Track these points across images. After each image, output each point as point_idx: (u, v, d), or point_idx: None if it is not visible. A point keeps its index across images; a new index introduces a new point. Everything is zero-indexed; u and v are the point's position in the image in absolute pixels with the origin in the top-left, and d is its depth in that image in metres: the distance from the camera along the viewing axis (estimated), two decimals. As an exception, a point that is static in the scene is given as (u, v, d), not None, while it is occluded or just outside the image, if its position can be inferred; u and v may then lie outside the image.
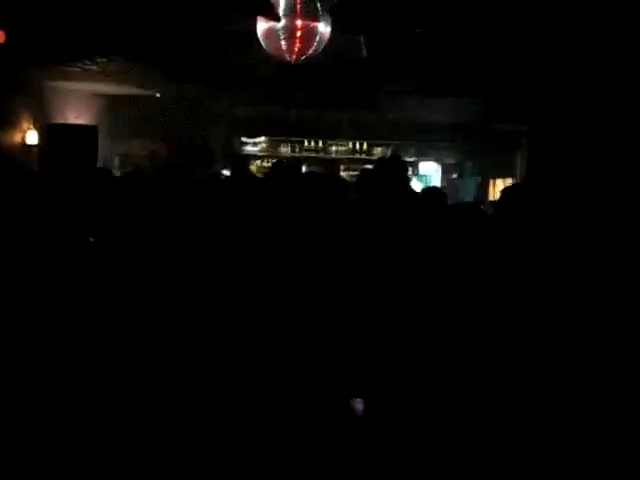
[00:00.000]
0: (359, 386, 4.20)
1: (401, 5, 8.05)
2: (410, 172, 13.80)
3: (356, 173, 14.35)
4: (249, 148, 16.95)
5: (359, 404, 4.14)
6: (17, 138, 12.25)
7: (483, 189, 14.22)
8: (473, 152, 15.75)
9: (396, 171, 6.04)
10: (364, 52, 9.64)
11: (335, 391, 4.12)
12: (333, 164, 15.97)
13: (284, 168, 12.25)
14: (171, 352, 4.06)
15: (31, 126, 12.43)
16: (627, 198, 6.47)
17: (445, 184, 15.57)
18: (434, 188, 6.97)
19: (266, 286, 4.38)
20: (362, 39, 9.26)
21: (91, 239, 5.01)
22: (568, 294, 4.09)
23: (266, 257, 4.55)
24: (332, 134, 16.62)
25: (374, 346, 4.19)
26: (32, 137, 12.36)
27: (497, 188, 13.63)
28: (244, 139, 16.95)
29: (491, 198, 13.86)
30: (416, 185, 10.80)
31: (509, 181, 13.54)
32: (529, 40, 8.77)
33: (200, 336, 4.18)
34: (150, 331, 4.14)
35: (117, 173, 13.79)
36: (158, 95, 14.26)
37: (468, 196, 13.60)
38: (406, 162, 6.44)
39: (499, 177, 13.90)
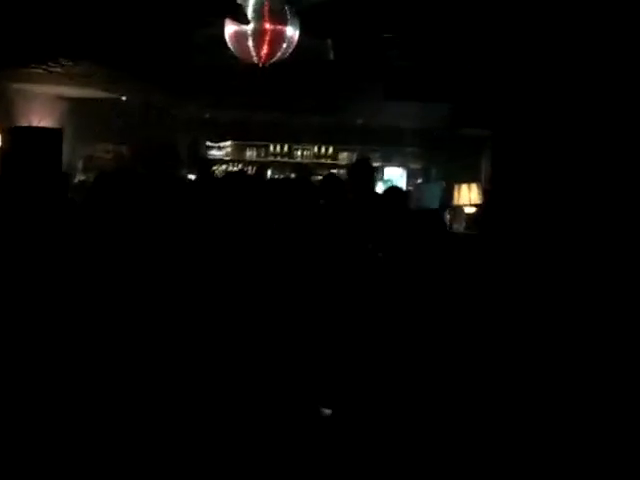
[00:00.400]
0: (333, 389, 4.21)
1: (369, 10, 8.07)
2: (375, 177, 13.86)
3: (321, 178, 14.39)
4: (215, 152, 16.93)
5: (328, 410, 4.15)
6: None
7: (448, 193, 14.26)
8: (438, 157, 15.83)
9: (363, 174, 6.08)
10: (331, 56, 9.64)
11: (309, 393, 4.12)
12: (301, 168, 15.98)
13: (248, 175, 12.27)
14: (166, 352, 4.04)
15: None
16: (592, 200, 6.55)
17: (410, 188, 15.63)
18: (395, 187, 7.02)
19: (234, 288, 4.38)
20: (329, 43, 9.26)
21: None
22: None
23: (231, 259, 4.55)
24: (298, 138, 16.64)
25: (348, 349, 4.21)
26: (-6, 140, 12.22)
27: (462, 192, 13.69)
28: (209, 143, 16.92)
29: (456, 202, 13.93)
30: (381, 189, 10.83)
31: (474, 186, 13.63)
32: (494, 45, 8.83)
33: (188, 340, 4.17)
34: (143, 332, 4.13)
35: (81, 176, 13.74)
36: (124, 98, 14.18)
37: (433, 201, 13.65)
38: (373, 165, 6.48)
39: (464, 182, 13.95)
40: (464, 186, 13.77)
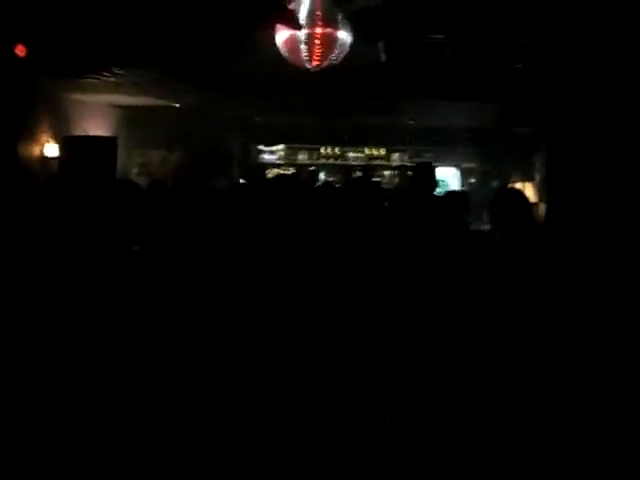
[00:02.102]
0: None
1: (419, 11, 8.04)
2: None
3: (376, 179, 14.36)
4: (266, 156, 16.98)
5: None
6: (36, 151, 12.27)
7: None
8: (491, 156, 15.71)
9: (426, 177, 6.05)
10: (382, 57, 9.61)
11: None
12: (354, 170, 15.98)
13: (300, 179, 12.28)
14: (202, 356, 4.06)
15: (50, 139, 12.47)
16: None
17: (464, 188, 15.55)
18: (455, 191, 6.99)
19: (288, 290, 4.38)
20: (381, 45, 9.24)
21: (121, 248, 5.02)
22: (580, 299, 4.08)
23: (289, 264, 4.54)
24: (349, 140, 16.63)
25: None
26: (50, 150, 12.39)
27: (516, 192, 13.53)
28: (261, 147, 16.98)
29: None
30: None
31: (528, 185, 13.50)
32: (547, 43, 8.75)
33: (224, 344, 4.18)
34: (178, 334, 4.15)
35: (136, 183, 13.86)
36: (176, 105, 14.29)
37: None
38: (434, 168, 6.44)
39: (518, 181, 13.83)
40: (519, 184, 13.64)
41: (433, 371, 4.14)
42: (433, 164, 14.12)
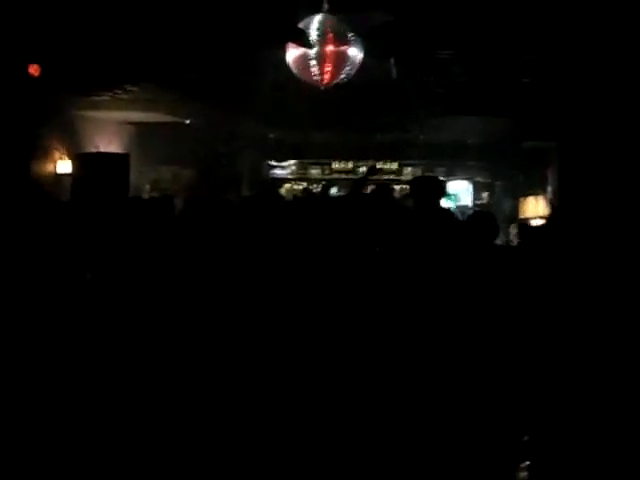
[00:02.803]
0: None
1: (430, 28, 8.07)
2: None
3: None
4: (278, 171, 16.99)
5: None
6: (49, 168, 12.32)
7: (515, 207, 14.12)
8: (503, 170, 15.69)
9: (430, 189, 6.04)
10: (393, 73, 9.65)
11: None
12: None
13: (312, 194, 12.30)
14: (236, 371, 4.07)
15: (62, 155, 12.51)
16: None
17: (476, 202, 15.54)
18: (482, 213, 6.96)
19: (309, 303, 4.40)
20: (392, 61, 9.27)
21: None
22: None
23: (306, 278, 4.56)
24: (361, 155, 16.63)
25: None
26: (63, 166, 12.43)
27: (528, 205, 13.52)
28: (273, 162, 17.00)
29: (522, 215, 13.77)
30: (445, 204, 10.76)
31: (540, 198, 13.46)
32: (557, 57, 8.76)
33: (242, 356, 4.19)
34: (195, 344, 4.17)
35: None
36: (187, 121, 14.34)
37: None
38: (441, 181, 6.42)
39: (531, 195, 13.80)
40: (530, 198, 13.60)
41: (460, 384, 4.14)
42: (446, 178, 14.19)
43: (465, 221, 5.96)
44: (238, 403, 4.03)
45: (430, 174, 15.50)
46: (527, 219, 13.61)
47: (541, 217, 13.19)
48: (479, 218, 5.90)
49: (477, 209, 11.77)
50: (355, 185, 6.62)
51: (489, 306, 4.28)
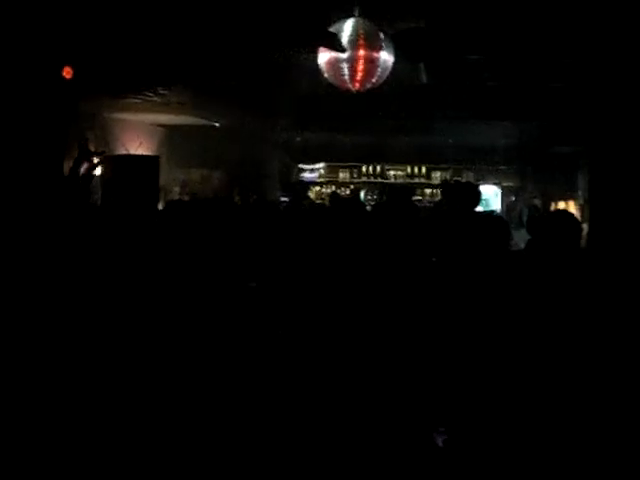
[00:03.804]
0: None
1: (460, 33, 8.07)
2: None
3: (416, 198, 14.38)
4: (307, 175, 17.04)
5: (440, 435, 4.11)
6: (80, 170, 12.39)
7: (545, 212, 14.08)
8: (532, 175, 15.65)
9: (466, 195, 6.02)
10: (424, 78, 9.65)
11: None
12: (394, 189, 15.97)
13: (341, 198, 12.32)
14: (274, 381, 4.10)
15: (95, 158, 12.59)
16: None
17: (505, 207, 15.50)
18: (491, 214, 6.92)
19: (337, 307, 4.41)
20: (422, 66, 9.28)
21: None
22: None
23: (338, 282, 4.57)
24: (390, 159, 16.64)
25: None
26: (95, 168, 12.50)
27: (559, 210, 13.47)
28: (302, 166, 17.03)
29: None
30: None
31: (571, 203, 13.42)
32: (587, 61, 8.73)
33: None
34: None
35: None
36: (217, 124, 14.41)
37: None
38: (477, 187, 6.39)
39: (560, 199, 13.77)
40: (561, 203, 13.57)
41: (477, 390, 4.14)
42: (475, 183, 14.17)
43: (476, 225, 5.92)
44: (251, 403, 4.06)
45: (458, 178, 15.52)
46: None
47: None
48: (489, 222, 5.87)
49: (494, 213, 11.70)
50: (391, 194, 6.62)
51: (509, 312, 4.27)
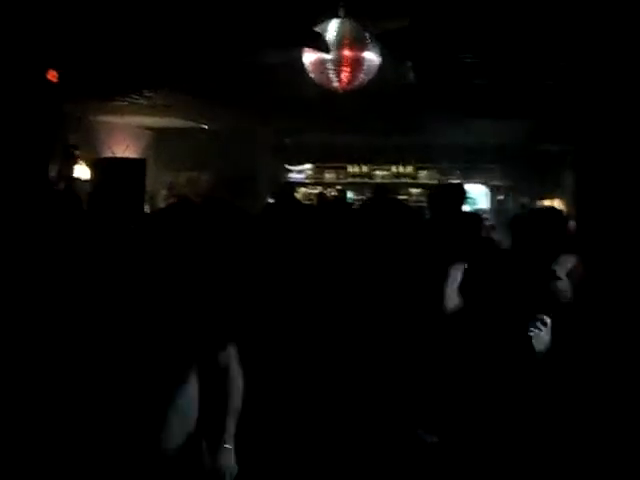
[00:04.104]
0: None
1: (447, 31, 8.07)
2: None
3: (403, 197, 14.39)
4: (294, 175, 17.03)
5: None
6: (66, 173, 12.36)
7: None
8: (520, 173, 15.68)
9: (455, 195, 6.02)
10: (411, 77, 9.66)
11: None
12: (381, 189, 15.96)
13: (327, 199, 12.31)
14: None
15: (79, 161, 12.57)
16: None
17: (494, 206, 15.54)
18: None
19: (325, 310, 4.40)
20: (409, 64, 9.28)
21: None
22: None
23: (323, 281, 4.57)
24: (376, 159, 16.64)
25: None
26: (81, 171, 12.48)
27: (546, 209, 13.52)
28: (289, 167, 17.03)
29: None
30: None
31: (557, 202, 13.46)
32: (575, 61, 8.76)
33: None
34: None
35: (162, 205, 13.97)
36: (205, 126, 14.40)
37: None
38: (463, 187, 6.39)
39: (547, 198, 13.81)
40: (548, 202, 13.61)
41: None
42: (462, 182, 14.19)
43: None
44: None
45: (446, 177, 15.55)
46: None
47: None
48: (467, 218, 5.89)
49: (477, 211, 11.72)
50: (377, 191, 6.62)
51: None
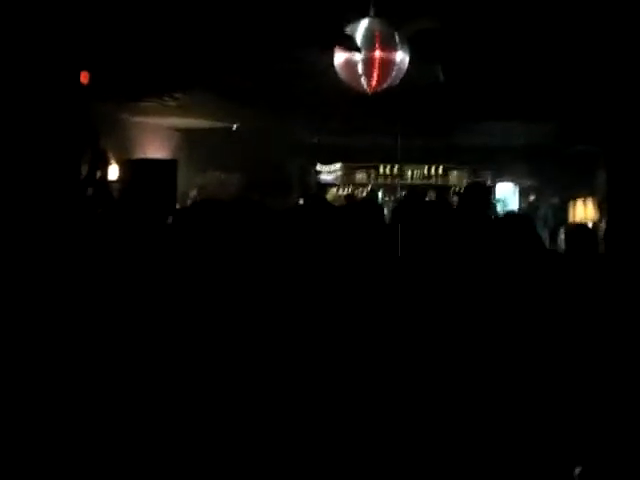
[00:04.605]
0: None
1: (476, 32, 8.06)
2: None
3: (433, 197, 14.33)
4: (324, 176, 16.98)
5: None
6: (97, 174, 12.42)
7: (564, 210, 14.07)
8: (550, 174, 15.59)
9: (477, 197, 5.99)
10: (440, 78, 9.64)
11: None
12: (412, 189, 15.93)
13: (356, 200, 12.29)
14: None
15: (111, 161, 12.63)
16: None
17: (523, 206, 15.46)
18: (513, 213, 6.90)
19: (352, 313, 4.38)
20: (438, 65, 9.27)
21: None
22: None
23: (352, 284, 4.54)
24: (407, 159, 16.57)
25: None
26: (112, 172, 12.54)
27: (577, 209, 13.44)
28: (319, 167, 17.00)
29: (571, 219, 13.68)
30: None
31: (589, 202, 13.37)
32: (605, 60, 8.69)
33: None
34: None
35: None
36: (234, 127, 14.44)
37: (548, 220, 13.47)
38: (486, 188, 6.36)
39: (579, 198, 13.72)
40: (579, 202, 13.52)
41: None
42: (490, 184, 14.09)
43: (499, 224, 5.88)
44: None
45: (476, 178, 15.47)
46: (576, 223, 13.53)
47: (590, 220, 13.11)
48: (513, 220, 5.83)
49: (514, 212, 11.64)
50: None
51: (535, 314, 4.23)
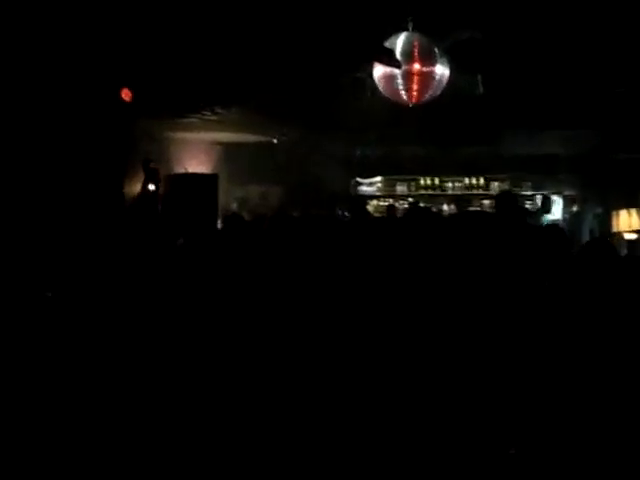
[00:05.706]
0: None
1: (516, 43, 8.04)
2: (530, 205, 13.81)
3: (476, 209, 14.28)
4: (365, 188, 16.94)
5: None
6: (140, 188, 12.55)
7: (607, 221, 13.91)
8: (593, 183, 15.42)
9: (509, 206, 5.97)
10: (481, 89, 9.61)
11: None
12: (453, 201, 15.89)
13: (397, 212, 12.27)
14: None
15: (159, 177, 12.72)
16: None
17: (566, 216, 15.31)
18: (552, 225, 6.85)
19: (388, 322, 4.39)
20: (479, 76, 9.25)
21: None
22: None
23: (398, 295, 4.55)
24: (447, 171, 16.50)
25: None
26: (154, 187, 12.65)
27: (621, 219, 13.29)
28: (359, 179, 16.97)
29: (615, 229, 13.55)
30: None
31: (633, 211, 13.22)
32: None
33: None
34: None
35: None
36: (275, 141, 14.49)
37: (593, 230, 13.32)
38: (516, 195, 6.32)
39: (622, 208, 13.56)
40: (623, 212, 13.37)
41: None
42: (534, 193, 13.96)
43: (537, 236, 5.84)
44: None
45: (518, 188, 15.36)
46: (620, 233, 13.38)
47: (635, 231, 12.97)
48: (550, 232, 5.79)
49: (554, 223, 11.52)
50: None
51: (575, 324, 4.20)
